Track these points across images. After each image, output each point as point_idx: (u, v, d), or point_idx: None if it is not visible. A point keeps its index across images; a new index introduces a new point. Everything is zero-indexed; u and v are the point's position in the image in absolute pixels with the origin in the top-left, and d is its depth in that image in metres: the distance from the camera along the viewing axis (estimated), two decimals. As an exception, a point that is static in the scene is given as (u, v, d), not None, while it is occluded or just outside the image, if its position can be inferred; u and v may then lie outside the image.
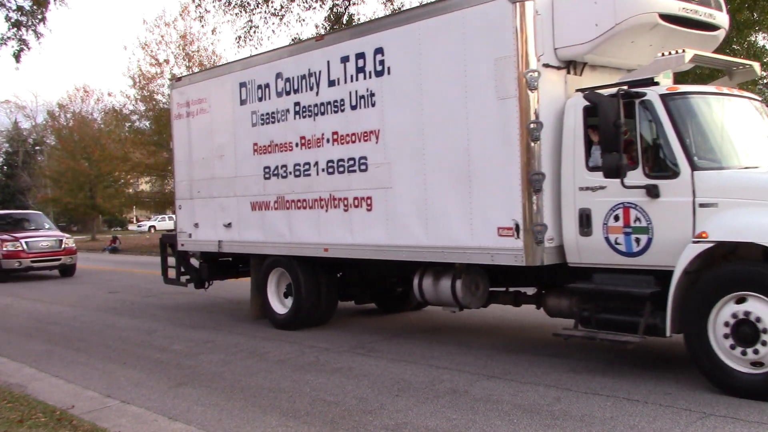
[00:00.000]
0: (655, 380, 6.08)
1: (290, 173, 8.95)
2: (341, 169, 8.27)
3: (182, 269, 11.34)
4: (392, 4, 24.31)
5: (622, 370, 6.50)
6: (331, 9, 26.63)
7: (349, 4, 25.74)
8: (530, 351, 7.47)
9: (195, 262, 11.40)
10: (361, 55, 7.98)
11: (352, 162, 8.13)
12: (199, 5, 23.47)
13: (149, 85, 32.40)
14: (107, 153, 36.64)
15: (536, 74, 6.42)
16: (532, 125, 6.42)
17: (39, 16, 17.55)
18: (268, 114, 9.24)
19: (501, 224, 6.67)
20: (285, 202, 9.05)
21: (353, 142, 8.09)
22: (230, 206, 9.91)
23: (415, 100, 7.43)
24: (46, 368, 7.62)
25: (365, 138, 7.95)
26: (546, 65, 6.54)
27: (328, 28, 29.11)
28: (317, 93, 8.51)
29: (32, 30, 17.61)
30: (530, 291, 7.69)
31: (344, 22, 29.49)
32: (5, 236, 18.91)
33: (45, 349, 8.72)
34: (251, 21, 23.58)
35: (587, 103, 6.21)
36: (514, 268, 6.81)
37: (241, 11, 23.30)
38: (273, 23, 25.86)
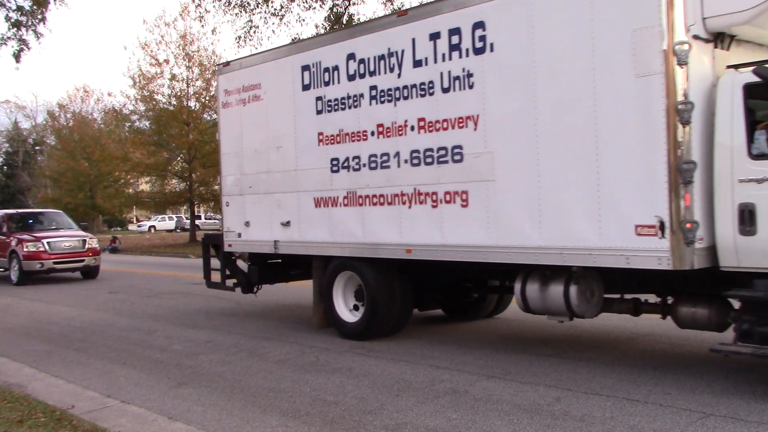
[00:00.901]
0: (655, 380, 6.08)
1: (364, 165, 8.06)
2: (429, 159, 7.38)
3: (228, 272, 10.48)
4: (392, 3, 24.31)
5: (622, 370, 6.50)
6: (331, 9, 26.65)
7: (349, 4, 25.76)
8: (530, 351, 7.47)
9: (242, 264, 10.56)
10: (455, 31, 7.08)
11: (443, 152, 7.23)
12: (199, 5, 23.52)
13: (149, 85, 32.44)
14: (107, 153, 36.68)
15: (686, 47, 5.58)
16: (681, 106, 5.57)
17: (39, 16, 17.59)
18: (336, 100, 8.35)
19: (640, 221, 5.81)
20: (357, 198, 8.16)
21: (445, 129, 7.20)
22: (289, 203, 9.05)
23: (526, 80, 6.53)
24: (46, 368, 7.62)
25: (460, 124, 7.06)
26: (695, 37, 5.71)
27: (328, 27, 29.16)
28: (399, 75, 7.62)
29: (32, 30, 17.65)
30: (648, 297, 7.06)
31: (344, 22, 29.53)
32: (26, 236, 17.84)
33: (45, 349, 8.72)
34: (251, 21, 23.61)
35: (748, 81, 5.49)
36: (635, 273, 6.05)
37: (241, 11, 23.33)
38: (273, 23, 25.87)
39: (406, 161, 7.63)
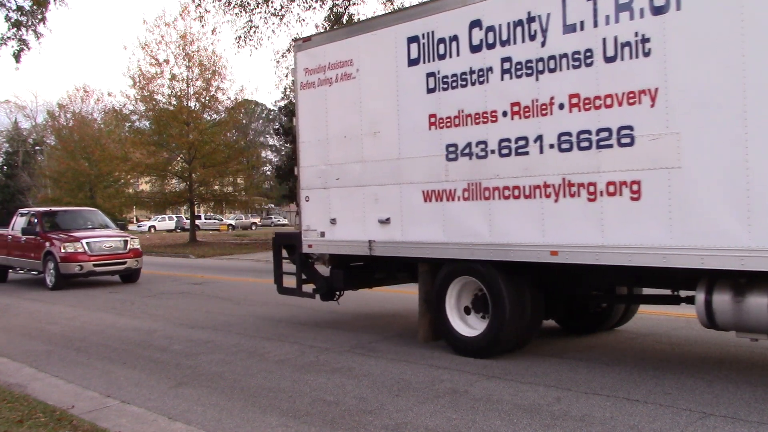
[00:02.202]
0: (655, 380, 6.08)
1: (492, 152, 6.91)
2: (585, 144, 6.21)
3: (304, 276, 9.33)
4: (392, 3, 24.33)
5: (622, 370, 6.50)
6: (331, 9, 26.68)
7: (349, 4, 25.78)
8: (530, 351, 7.46)
9: (320, 267, 9.54)
10: None
11: (604, 134, 6.08)
12: (199, 5, 23.56)
13: (149, 85, 32.46)
14: (107, 153, 36.69)
15: None
16: None
17: (39, 16, 17.62)
18: (455, 76, 7.18)
19: None
20: (482, 191, 7.02)
21: (608, 106, 6.05)
22: (389, 196, 7.89)
23: (729, 44, 5.40)
24: (46, 368, 7.62)
25: (630, 100, 5.91)
26: None
27: (328, 28, 29.19)
28: (543, 43, 6.46)
29: (32, 30, 17.69)
30: None
31: (344, 22, 29.54)
32: (63, 236, 16.28)
33: (45, 349, 8.72)
34: (251, 21, 23.66)
35: None
36: None
37: (241, 11, 23.37)
38: (273, 23, 25.96)
39: (551, 146, 6.45)
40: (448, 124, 7.29)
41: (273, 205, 73.95)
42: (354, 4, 26.97)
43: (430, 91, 7.44)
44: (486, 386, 6.13)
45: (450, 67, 7.24)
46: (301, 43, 9.11)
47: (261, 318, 10.56)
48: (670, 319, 8.75)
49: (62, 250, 15.68)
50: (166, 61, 32.44)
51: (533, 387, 6.03)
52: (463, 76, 7.14)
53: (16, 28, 17.39)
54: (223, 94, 34.11)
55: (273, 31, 41.38)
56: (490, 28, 6.88)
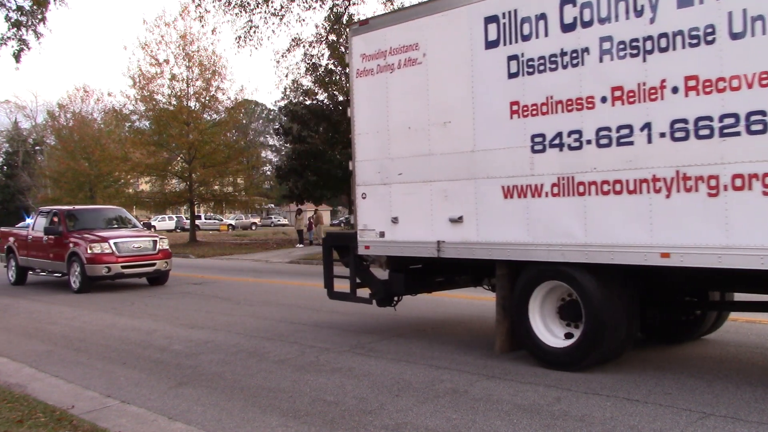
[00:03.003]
0: (655, 380, 6.08)
1: (588, 142, 6.25)
2: (704, 132, 5.57)
3: (358, 280, 8.71)
4: (392, 3, 24.33)
5: (622, 370, 6.50)
6: (331, 9, 26.69)
7: (349, 4, 25.78)
8: (530, 351, 7.46)
9: (375, 270, 8.88)
10: None
11: (730, 120, 5.42)
12: (199, 5, 23.56)
13: (149, 85, 32.50)
14: (107, 153, 36.74)
15: None
16: None
17: (39, 16, 17.62)
18: (542, 58, 6.52)
19: None
20: (575, 186, 6.34)
21: (734, 89, 5.40)
22: (461, 193, 7.20)
23: None
24: (46, 368, 7.62)
25: (763, 82, 5.26)
26: None
27: (329, 28, 29.20)
28: (652, 20, 5.83)
29: (32, 30, 17.69)
30: None
31: (344, 22, 29.54)
32: (89, 235, 15.35)
33: (45, 349, 8.72)
34: (251, 21, 23.66)
35: None
36: None
37: (241, 11, 23.37)
38: (273, 23, 25.95)
39: (662, 135, 5.80)
40: (534, 112, 6.61)
41: (273, 205, 73.99)
42: (354, 4, 26.96)
43: (512, 76, 6.75)
44: (486, 386, 6.13)
45: (536, 49, 6.55)
46: (358, 27, 8.38)
47: (261, 318, 10.56)
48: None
49: (88, 251, 14.77)
50: (166, 61, 32.49)
51: (533, 387, 6.03)
52: (553, 59, 6.45)
53: (16, 28, 17.40)
54: (223, 94, 34.17)
55: (273, 31, 41.41)
56: (586, 5, 6.22)
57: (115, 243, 15.01)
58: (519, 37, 6.71)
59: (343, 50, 33.27)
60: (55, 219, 16.33)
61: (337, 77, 35.04)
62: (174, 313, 11.48)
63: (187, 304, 12.54)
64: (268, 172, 57.45)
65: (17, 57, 17.76)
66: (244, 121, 58.33)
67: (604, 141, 6.16)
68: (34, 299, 14.25)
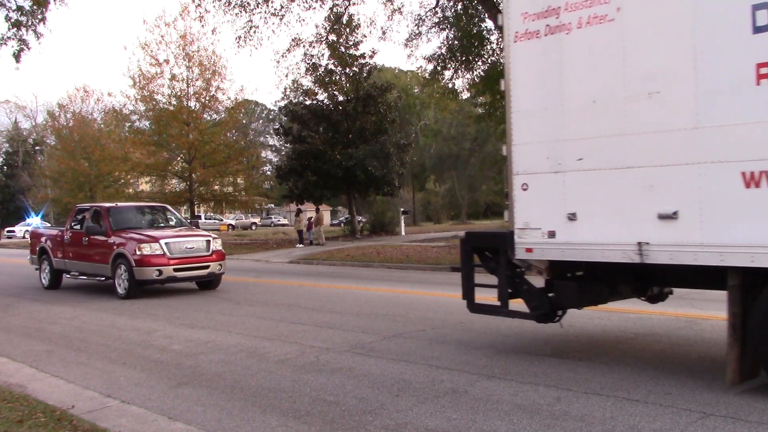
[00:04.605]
0: (655, 380, 6.08)
1: None
2: None
3: (510, 290, 7.24)
4: (392, 4, 24.34)
5: (622, 370, 6.50)
6: (331, 9, 26.69)
7: (349, 4, 25.79)
8: (530, 351, 7.47)
9: (529, 278, 7.37)
10: None
11: None
12: (199, 5, 23.56)
13: (149, 85, 32.51)
14: (107, 153, 36.76)
15: None
16: None
17: (39, 16, 17.62)
18: None
19: None
20: None
21: None
22: (676, 181, 5.76)
23: None
24: (46, 368, 7.62)
25: None
26: None
27: (329, 28, 29.20)
28: None
29: (32, 30, 17.69)
30: None
31: (344, 22, 29.52)
32: (137, 235, 13.97)
33: (45, 349, 8.72)
34: (251, 21, 23.66)
35: None
36: None
37: (241, 11, 23.37)
38: (273, 23, 25.95)
39: None
40: None
41: (273, 205, 74.02)
42: (354, 4, 26.94)
43: (758, 30, 5.32)
44: (486, 386, 6.13)
45: None
46: None
47: (261, 318, 10.56)
48: (670, 319, 8.75)
49: (137, 252, 13.35)
50: (166, 61, 32.50)
51: (533, 387, 6.03)
52: None
53: (16, 28, 17.39)
54: (223, 94, 34.19)
55: (273, 31, 41.37)
56: None
57: (166, 243, 13.62)
58: None
59: (343, 50, 33.38)
60: (98, 217, 14.93)
61: (337, 77, 35.09)
62: (174, 313, 11.48)
63: (187, 304, 12.53)
64: (268, 172, 57.46)
65: (17, 57, 17.75)
66: (244, 121, 58.33)
67: None
68: (34, 299, 14.24)
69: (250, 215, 67.10)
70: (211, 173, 34.08)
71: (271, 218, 76.13)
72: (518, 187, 6.87)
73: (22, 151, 66.24)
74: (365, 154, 33.10)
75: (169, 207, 17.57)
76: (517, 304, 7.21)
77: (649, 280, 7.00)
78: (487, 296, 7.49)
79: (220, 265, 14.26)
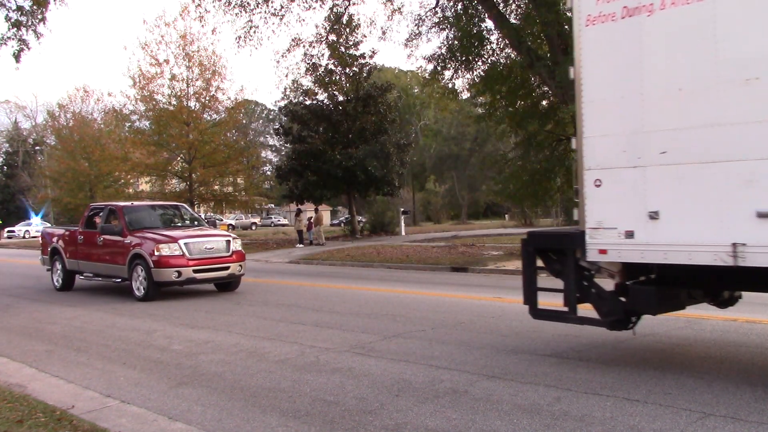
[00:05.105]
0: (655, 380, 6.08)
1: None
2: None
3: (579, 295, 6.71)
4: (392, 4, 24.33)
5: (622, 370, 6.50)
6: (331, 9, 26.67)
7: (349, 4, 25.77)
8: (530, 351, 7.47)
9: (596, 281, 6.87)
10: None
11: None
12: (199, 5, 23.53)
13: (149, 85, 32.50)
14: (107, 153, 36.76)
15: None
16: None
17: (39, 16, 17.61)
18: None
19: None
20: None
21: None
22: None
23: None
24: (46, 368, 7.62)
25: None
26: None
27: (329, 28, 29.19)
28: None
29: (32, 30, 17.67)
30: None
31: (344, 22, 29.52)
32: (154, 234, 13.45)
33: (45, 349, 8.72)
34: (251, 21, 23.63)
35: None
36: None
37: (241, 11, 23.35)
38: (273, 23, 25.92)
39: None
40: None
41: (273, 205, 74.02)
42: (354, 4, 26.93)
43: None
44: (486, 386, 6.13)
45: None
46: None
47: (261, 318, 10.56)
48: (670, 319, 8.74)
49: (155, 253, 12.87)
50: (166, 61, 32.48)
51: (533, 387, 6.03)
52: None
53: (16, 28, 17.38)
54: (223, 94, 34.18)
55: (273, 31, 41.40)
56: None
57: (185, 243, 13.13)
58: None
59: (343, 50, 33.37)
60: (113, 216, 14.48)
61: (337, 77, 35.09)
62: (174, 313, 11.48)
63: (187, 303, 12.53)
64: (268, 172, 57.47)
65: (17, 57, 17.74)
66: (244, 121, 58.35)
67: None
68: (34, 299, 14.24)
69: (250, 215, 67.09)
70: (211, 173, 34.08)
71: (271, 218, 76.12)
72: (590, 184, 6.35)
73: (22, 151, 66.26)
74: (365, 154, 33.11)
75: (184, 205, 17.07)
76: (585, 310, 6.75)
77: (733, 283, 6.42)
78: (546, 301, 7.09)
79: (240, 266, 13.83)
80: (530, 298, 7.04)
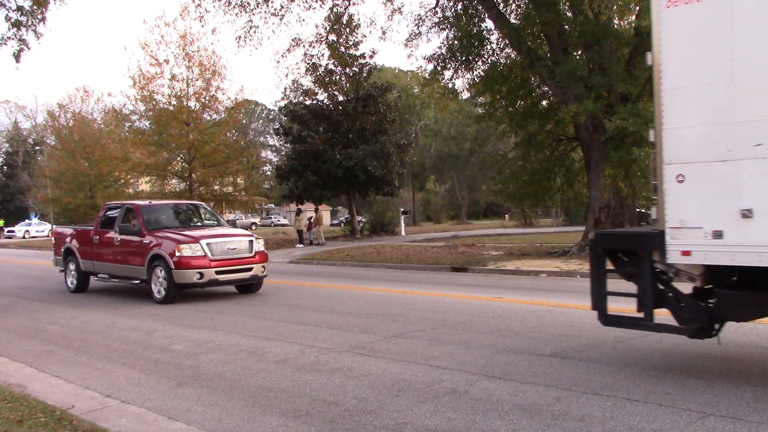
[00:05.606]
0: (655, 380, 6.08)
1: None
2: None
3: (656, 300, 6.20)
4: (392, 4, 24.33)
5: (622, 370, 6.50)
6: (331, 9, 26.67)
7: (349, 4, 25.77)
8: (530, 351, 7.47)
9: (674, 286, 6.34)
10: None
11: None
12: (199, 5, 23.53)
13: (149, 85, 32.48)
14: (107, 153, 36.73)
15: None
16: None
17: (39, 16, 17.59)
18: None
19: None
20: None
21: None
22: None
23: None
24: (46, 368, 7.62)
25: None
26: None
27: (328, 28, 29.19)
28: None
29: (32, 30, 17.65)
30: None
31: (344, 22, 29.51)
32: (177, 235, 12.92)
33: (45, 349, 8.72)
34: (251, 21, 23.63)
35: None
36: None
37: (241, 11, 23.35)
38: (273, 23, 25.93)
39: None
40: None
41: (273, 205, 74.03)
42: (354, 4, 26.94)
43: None
44: (486, 386, 6.13)
45: None
46: None
47: (261, 318, 10.56)
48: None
49: (176, 254, 12.34)
50: (166, 61, 32.46)
51: (533, 387, 6.03)
52: None
53: (16, 28, 17.37)
54: (223, 94, 34.15)
55: (273, 31, 41.47)
56: None
57: (207, 244, 12.61)
58: None
59: (343, 50, 33.38)
60: (131, 215, 13.98)
61: (337, 77, 35.10)
62: (174, 313, 11.47)
63: (187, 303, 12.53)
64: (268, 172, 57.47)
65: (17, 57, 17.73)
66: (244, 121, 58.36)
67: None
68: (34, 299, 14.24)
69: (250, 215, 67.09)
70: (211, 173, 34.07)
71: (271, 218, 76.15)
72: (671, 179, 5.79)
73: (22, 151, 66.26)
74: (365, 154, 33.11)
75: (203, 204, 16.62)
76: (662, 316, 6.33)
77: None
78: (615, 306, 6.69)
79: (263, 267, 13.30)
80: (599, 303, 6.50)
